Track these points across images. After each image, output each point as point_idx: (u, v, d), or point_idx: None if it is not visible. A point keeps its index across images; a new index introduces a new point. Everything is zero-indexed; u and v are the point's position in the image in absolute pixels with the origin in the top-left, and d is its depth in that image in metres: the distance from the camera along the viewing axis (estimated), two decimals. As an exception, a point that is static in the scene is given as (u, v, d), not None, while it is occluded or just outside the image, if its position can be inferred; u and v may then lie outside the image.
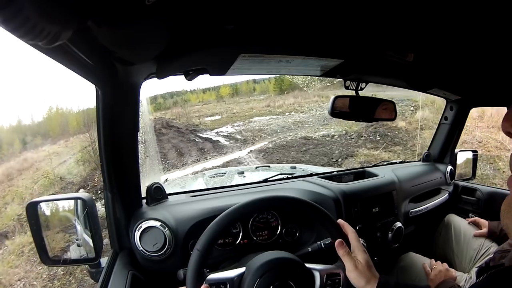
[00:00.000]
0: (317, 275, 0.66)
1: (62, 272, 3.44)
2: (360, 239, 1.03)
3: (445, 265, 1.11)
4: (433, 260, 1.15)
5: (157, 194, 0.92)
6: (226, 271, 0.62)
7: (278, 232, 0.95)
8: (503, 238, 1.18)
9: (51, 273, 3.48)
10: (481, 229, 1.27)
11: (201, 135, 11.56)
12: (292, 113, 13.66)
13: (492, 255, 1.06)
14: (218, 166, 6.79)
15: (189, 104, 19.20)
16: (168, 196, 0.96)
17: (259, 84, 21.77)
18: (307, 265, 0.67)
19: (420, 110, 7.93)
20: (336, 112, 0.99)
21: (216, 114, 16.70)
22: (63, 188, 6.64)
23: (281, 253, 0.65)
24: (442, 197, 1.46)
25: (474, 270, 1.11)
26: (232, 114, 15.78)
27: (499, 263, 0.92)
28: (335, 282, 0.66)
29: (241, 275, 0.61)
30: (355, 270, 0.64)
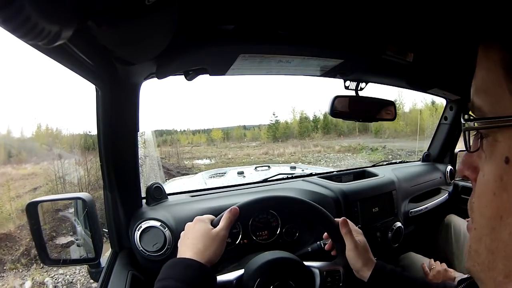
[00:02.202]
0: (316, 273, 0.66)
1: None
2: None
3: (444, 265, 1.11)
4: (432, 260, 1.15)
5: (157, 194, 0.92)
6: (224, 274, 0.62)
7: (278, 232, 0.95)
8: None
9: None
10: None
11: (195, 181, 10.51)
12: (299, 163, 12.71)
13: None
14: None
15: (178, 145, 18.65)
16: (168, 196, 0.96)
17: (250, 130, 21.62)
18: (306, 263, 0.66)
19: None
20: (336, 112, 0.99)
21: (209, 157, 15.98)
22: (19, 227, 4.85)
23: (279, 253, 0.65)
24: (442, 197, 1.46)
25: None
26: (227, 160, 14.93)
27: None
28: (335, 279, 0.66)
29: (240, 277, 0.61)
30: (355, 250, 0.65)
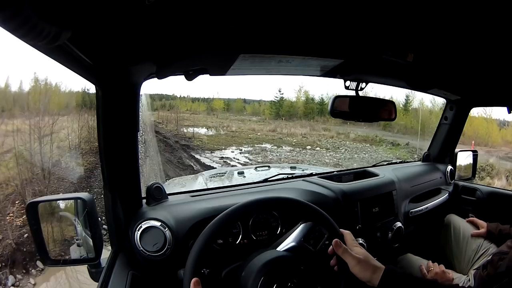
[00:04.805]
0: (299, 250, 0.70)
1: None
2: (360, 239, 1.04)
3: (442, 266, 1.11)
4: (430, 262, 1.15)
5: (157, 194, 0.92)
6: None
7: (278, 232, 0.95)
8: (501, 239, 1.18)
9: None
10: (479, 230, 1.26)
11: (198, 157, 8.61)
12: (317, 148, 11.26)
13: (490, 257, 1.05)
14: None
15: (178, 111, 17.33)
16: (168, 196, 0.96)
17: (250, 105, 20.79)
18: (279, 249, 0.68)
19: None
20: (336, 112, 0.99)
21: (209, 127, 15.01)
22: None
23: (267, 255, 0.66)
24: (442, 197, 1.46)
25: (472, 272, 1.11)
26: (231, 132, 13.66)
27: (497, 265, 0.92)
28: (316, 236, 0.72)
29: None
30: (359, 264, 0.64)
